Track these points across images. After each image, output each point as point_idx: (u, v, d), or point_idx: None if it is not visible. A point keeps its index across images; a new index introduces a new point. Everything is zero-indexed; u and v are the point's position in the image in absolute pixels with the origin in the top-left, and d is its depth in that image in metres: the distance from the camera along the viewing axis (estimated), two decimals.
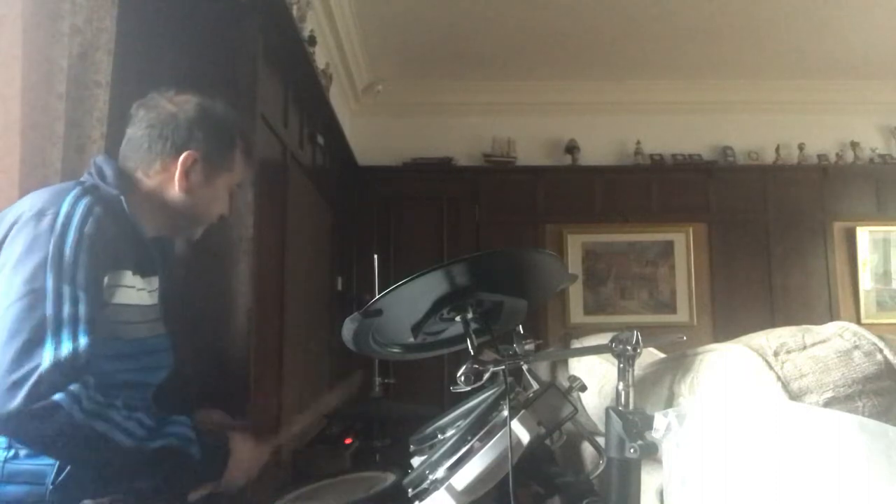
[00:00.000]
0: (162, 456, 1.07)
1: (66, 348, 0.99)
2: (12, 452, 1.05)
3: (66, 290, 1.02)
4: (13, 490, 1.05)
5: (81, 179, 1.20)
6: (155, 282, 1.30)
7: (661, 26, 4.06)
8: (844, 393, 0.84)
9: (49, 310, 1.00)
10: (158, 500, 1.16)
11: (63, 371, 0.98)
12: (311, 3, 3.24)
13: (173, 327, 1.36)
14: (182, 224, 1.30)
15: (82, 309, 1.03)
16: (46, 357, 0.98)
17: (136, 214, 1.19)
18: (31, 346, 0.98)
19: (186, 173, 1.24)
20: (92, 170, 1.22)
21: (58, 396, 0.97)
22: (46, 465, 1.05)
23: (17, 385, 0.95)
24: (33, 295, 1.00)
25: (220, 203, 1.32)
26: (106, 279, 1.12)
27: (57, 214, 1.06)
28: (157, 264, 1.29)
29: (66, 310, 1.01)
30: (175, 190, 1.24)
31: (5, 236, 1.07)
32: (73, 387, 0.98)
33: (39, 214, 1.06)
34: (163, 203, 1.25)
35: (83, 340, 1.01)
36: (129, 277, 1.18)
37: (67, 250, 1.04)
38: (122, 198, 1.17)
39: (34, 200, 1.10)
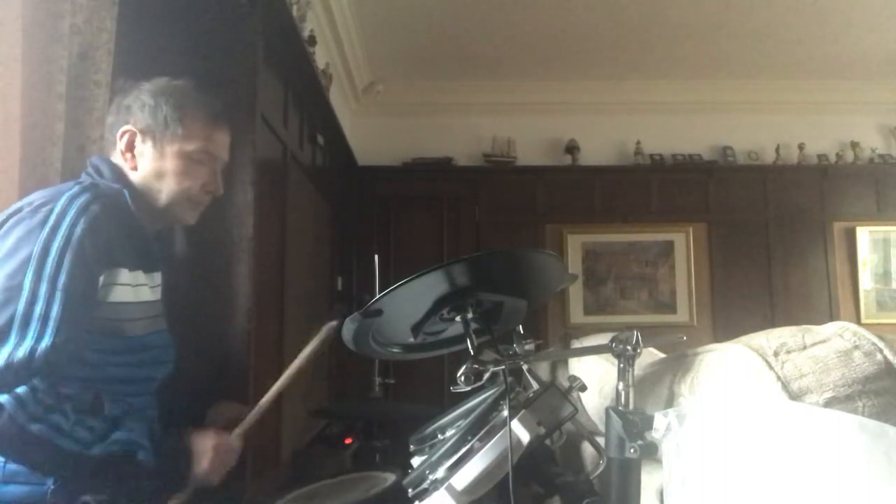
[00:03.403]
0: (106, 462, 1.05)
1: (25, 348, 0.99)
2: None
3: (43, 289, 1.02)
4: (14, 490, 1.05)
5: (80, 180, 1.21)
6: (157, 277, 1.30)
7: (661, 26, 4.06)
8: (844, 393, 0.84)
9: (20, 307, 1.01)
10: (159, 497, 1.16)
11: (15, 371, 0.98)
12: (311, 3, 3.24)
13: (174, 326, 1.36)
14: (160, 207, 1.26)
15: (55, 309, 1.02)
16: (2, 355, 0.98)
17: (136, 209, 1.20)
18: None
19: (129, 149, 1.23)
20: (89, 169, 1.23)
21: (2, 398, 0.97)
22: None
23: None
24: (10, 291, 1.01)
25: (191, 176, 1.25)
26: (101, 279, 1.12)
27: (51, 212, 1.07)
28: (158, 260, 1.29)
29: (38, 309, 1.02)
30: (129, 170, 1.24)
31: (1, 226, 1.08)
32: (21, 390, 0.98)
33: (35, 210, 1.07)
34: (135, 189, 1.23)
35: (46, 341, 1.01)
36: (126, 275, 1.18)
37: (53, 250, 1.04)
38: (126, 192, 1.18)
39: (34, 197, 1.11)
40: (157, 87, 1.26)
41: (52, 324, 1.02)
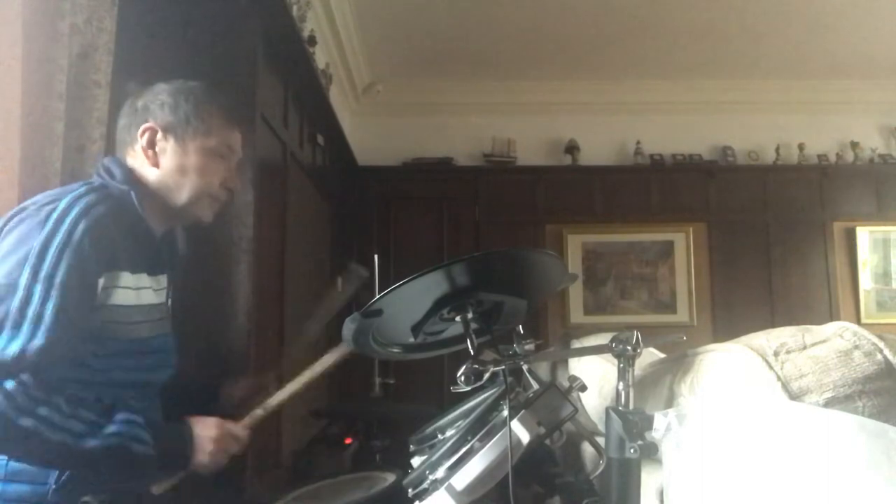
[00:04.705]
0: (103, 454, 1.04)
1: (15, 347, 0.99)
2: None
3: (39, 288, 1.02)
4: (15, 489, 1.05)
5: (90, 181, 1.21)
6: (163, 280, 1.30)
7: (661, 26, 4.06)
8: (844, 393, 0.84)
9: (14, 304, 1.01)
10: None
11: (4, 367, 0.98)
12: (311, 3, 3.24)
13: (174, 327, 1.36)
14: (181, 205, 1.26)
15: (49, 309, 1.02)
16: None
17: (145, 210, 1.20)
18: None
19: (151, 146, 1.24)
20: (100, 170, 1.23)
21: None
22: None
23: None
24: (5, 288, 1.01)
25: (212, 171, 1.27)
26: (101, 281, 1.11)
27: (53, 211, 1.07)
28: (165, 262, 1.29)
29: (32, 308, 1.01)
30: (149, 168, 1.24)
31: (5, 224, 1.08)
32: (9, 385, 0.98)
33: (39, 209, 1.07)
34: (151, 188, 1.24)
35: (38, 341, 1.00)
36: (128, 278, 1.17)
37: (52, 249, 1.04)
38: (133, 192, 1.18)
39: (41, 197, 1.11)
40: (174, 86, 1.27)
41: (44, 324, 1.01)
